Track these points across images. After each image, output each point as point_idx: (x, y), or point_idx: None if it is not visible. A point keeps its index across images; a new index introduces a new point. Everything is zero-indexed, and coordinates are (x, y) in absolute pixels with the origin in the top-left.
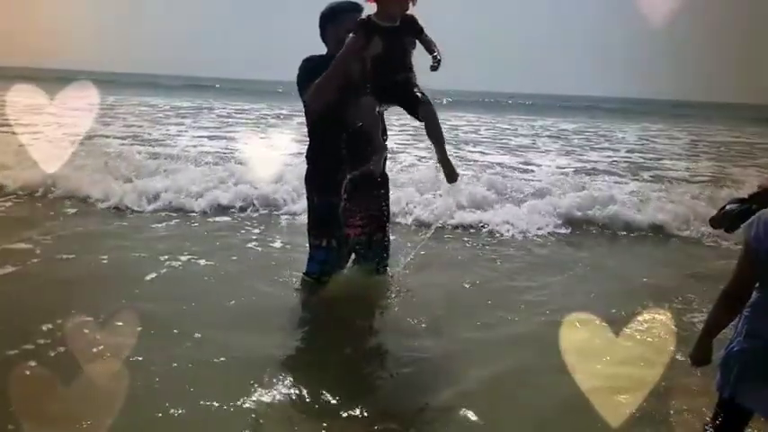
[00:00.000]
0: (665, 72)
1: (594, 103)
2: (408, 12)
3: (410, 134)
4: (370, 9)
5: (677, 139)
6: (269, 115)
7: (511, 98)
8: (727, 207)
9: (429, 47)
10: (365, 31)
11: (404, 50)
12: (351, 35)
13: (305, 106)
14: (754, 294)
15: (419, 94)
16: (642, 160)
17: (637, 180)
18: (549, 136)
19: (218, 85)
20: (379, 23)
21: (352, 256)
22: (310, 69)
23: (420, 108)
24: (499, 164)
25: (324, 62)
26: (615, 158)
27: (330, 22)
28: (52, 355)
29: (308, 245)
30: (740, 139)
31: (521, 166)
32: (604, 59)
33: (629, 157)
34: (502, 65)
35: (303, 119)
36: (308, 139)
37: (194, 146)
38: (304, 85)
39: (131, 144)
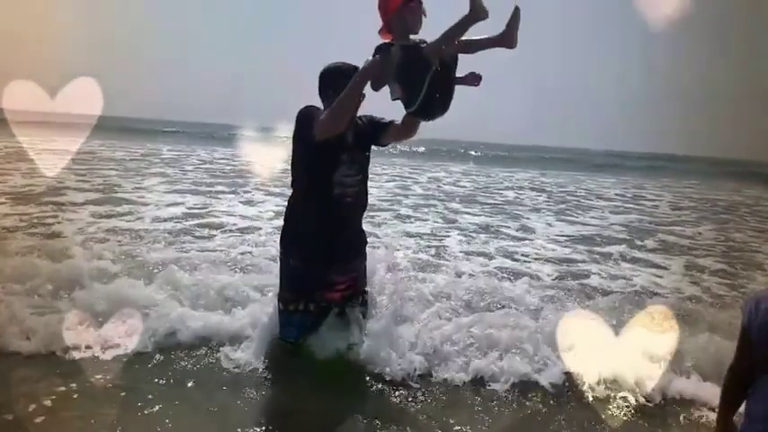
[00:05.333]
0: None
1: (564, 156)
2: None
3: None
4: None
5: (660, 196)
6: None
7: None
8: None
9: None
10: (385, 52)
11: (424, 63)
12: (370, 57)
13: (301, 145)
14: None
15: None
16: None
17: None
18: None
19: (179, 130)
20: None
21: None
22: (315, 109)
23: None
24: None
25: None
26: (614, 222)
27: (335, 81)
28: None
29: (278, 308)
30: (723, 197)
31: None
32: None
33: (631, 222)
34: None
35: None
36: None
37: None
38: (310, 121)
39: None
